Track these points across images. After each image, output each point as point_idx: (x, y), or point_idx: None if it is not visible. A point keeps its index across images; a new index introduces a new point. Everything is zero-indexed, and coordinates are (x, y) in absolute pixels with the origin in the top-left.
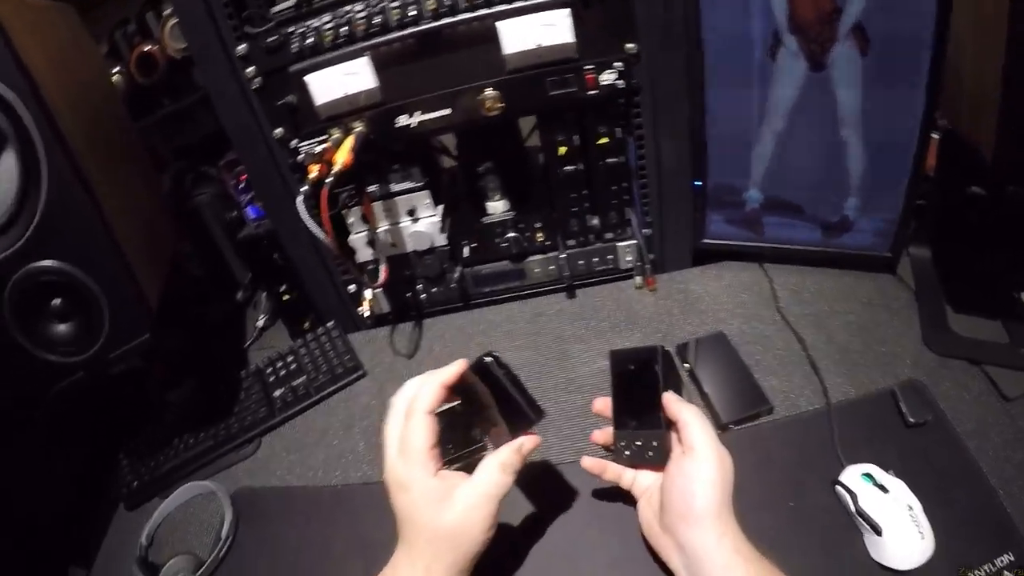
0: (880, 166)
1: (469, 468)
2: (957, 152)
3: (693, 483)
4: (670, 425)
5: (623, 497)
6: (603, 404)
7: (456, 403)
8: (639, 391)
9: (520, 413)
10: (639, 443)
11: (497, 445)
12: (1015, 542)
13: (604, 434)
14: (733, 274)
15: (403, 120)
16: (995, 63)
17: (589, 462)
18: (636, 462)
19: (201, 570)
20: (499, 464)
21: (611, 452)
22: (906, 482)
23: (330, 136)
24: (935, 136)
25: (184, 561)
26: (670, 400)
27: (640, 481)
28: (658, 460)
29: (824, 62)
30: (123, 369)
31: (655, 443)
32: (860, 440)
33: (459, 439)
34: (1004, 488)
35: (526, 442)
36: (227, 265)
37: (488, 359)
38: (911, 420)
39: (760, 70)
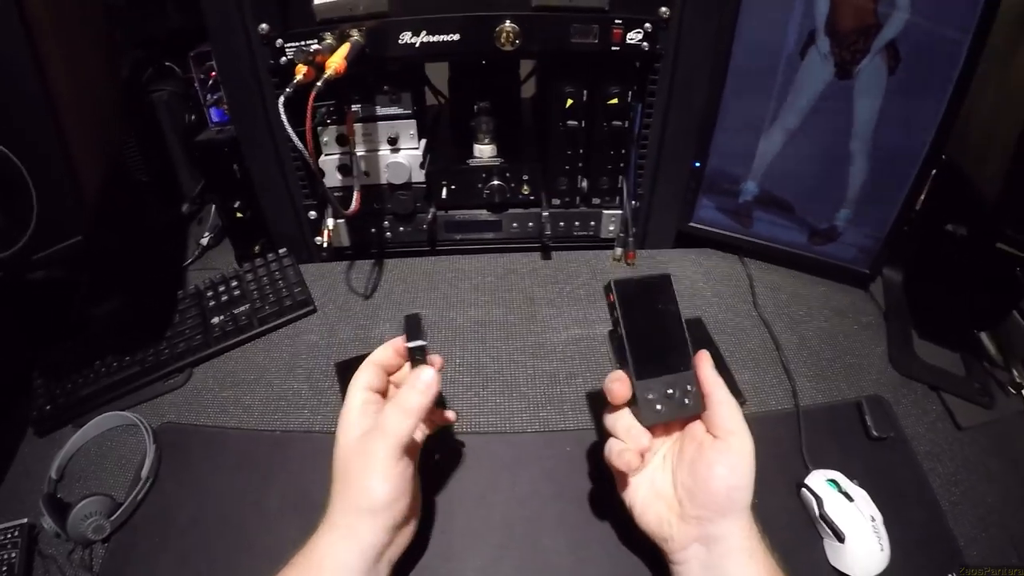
0: (879, 184)
1: None
2: (949, 187)
3: (737, 472)
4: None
5: (587, 471)
6: (623, 387)
7: None
8: (658, 328)
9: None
10: (671, 391)
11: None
12: (957, 563)
13: (623, 387)
14: (713, 263)
15: (407, 38)
16: (1017, 114)
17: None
18: (672, 416)
19: (116, 514)
20: (399, 409)
21: (634, 412)
22: (868, 493)
23: (321, 41)
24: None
25: (98, 503)
26: (705, 365)
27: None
28: (694, 409)
29: (851, 71)
30: (47, 275)
31: (689, 387)
32: (826, 446)
33: None
34: (951, 512)
35: (421, 373)
36: (175, 173)
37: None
38: (875, 433)
39: (787, 64)
